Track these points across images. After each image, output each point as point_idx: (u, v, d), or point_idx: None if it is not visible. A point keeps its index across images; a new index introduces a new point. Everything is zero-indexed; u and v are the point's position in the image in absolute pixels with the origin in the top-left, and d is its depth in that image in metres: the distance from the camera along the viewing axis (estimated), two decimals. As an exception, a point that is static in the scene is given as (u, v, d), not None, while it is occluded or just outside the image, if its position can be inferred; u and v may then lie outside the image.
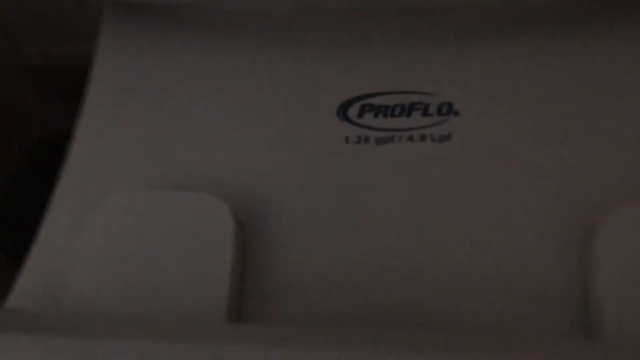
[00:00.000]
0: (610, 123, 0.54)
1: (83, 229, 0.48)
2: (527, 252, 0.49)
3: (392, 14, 0.58)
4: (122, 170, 0.54)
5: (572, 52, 0.57)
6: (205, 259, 0.47)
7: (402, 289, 0.50)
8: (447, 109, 0.55)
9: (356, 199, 0.53)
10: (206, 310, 0.45)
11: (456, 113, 0.54)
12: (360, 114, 0.55)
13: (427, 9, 0.56)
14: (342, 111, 0.55)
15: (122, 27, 0.61)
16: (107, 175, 0.54)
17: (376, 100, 0.55)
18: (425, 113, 0.55)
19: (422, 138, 0.54)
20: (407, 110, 0.55)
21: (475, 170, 0.53)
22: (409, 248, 0.51)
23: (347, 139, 0.54)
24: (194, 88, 0.58)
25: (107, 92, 0.58)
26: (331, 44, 0.59)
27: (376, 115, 0.55)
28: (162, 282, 0.46)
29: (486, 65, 0.56)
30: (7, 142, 1.11)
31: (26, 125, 1.24)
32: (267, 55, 0.58)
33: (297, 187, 0.54)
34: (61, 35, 1.02)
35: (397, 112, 0.55)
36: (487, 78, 0.56)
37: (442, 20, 0.59)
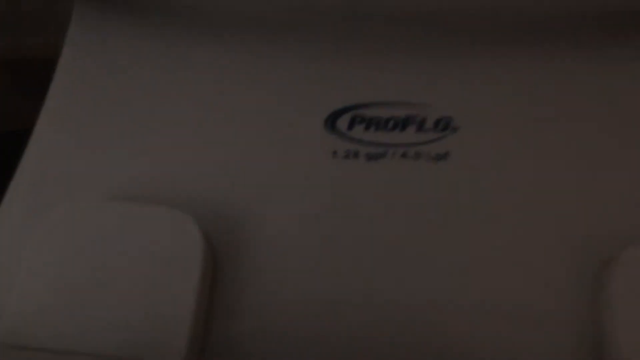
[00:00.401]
0: (620, 145, 0.51)
1: (27, 245, 0.43)
2: (530, 284, 0.46)
3: (387, 18, 0.54)
4: (80, 177, 0.50)
5: (581, 68, 0.53)
6: (167, 284, 0.41)
7: (388, 320, 0.46)
8: (445, 124, 0.51)
9: (341, 220, 0.49)
10: (164, 346, 0.41)
11: (455, 129, 0.51)
12: (350, 126, 0.51)
13: (417, 13, 0.53)
14: (331, 122, 0.52)
15: (92, 22, 0.56)
16: (63, 182, 0.49)
17: (368, 112, 0.52)
18: (420, 128, 0.51)
19: (417, 156, 0.50)
20: (401, 123, 0.51)
21: (474, 195, 0.49)
22: (395, 276, 0.47)
23: (334, 154, 0.51)
24: (167, 91, 0.54)
25: (71, 90, 0.54)
26: (320, 49, 0.54)
27: (367, 128, 0.51)
28: (114, 310, 0.40)
29: (490, 77, 0.53)
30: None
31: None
32: (249, 58, 0.54)
33: (276, 204, 0.49)
34: (33, 26, 1.00)
35: (390, 125, 0.51)
36: (491, 91, 0.52)
37: (442, 27, 0.55)
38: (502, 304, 0.46)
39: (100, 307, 0.41)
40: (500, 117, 0.53)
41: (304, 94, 0.54)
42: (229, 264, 0.47)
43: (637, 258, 0.44)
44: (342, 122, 0.52)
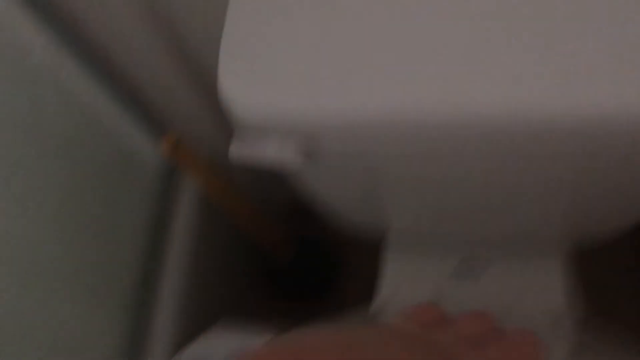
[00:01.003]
0: None
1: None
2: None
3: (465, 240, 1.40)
4: None
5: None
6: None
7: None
8: (479, 272, 1.70)
9: (464, 293, 1.46)
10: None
11: (480, 276, 1.43)
12: (458, 274, 1.31)
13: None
14: (452, 271, 1.41)
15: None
16: None
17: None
18: (473, 273, 1.65)
19: (472, 280, 1.62)
20: (468, 271, 1.66)
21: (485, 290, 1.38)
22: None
23: (454, 279, 1.34)
24: None
25: None
26: (448, 249, 1.34)
27: (460, 273, 1.47)
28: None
29: (496, 259, 1.32)
30: (288, 239, 1.84)
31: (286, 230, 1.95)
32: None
33: (440, 290, 1.42)
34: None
35: (466, 272, 1.46)
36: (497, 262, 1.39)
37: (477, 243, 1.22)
38: None
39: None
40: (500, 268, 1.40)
41: (443, 260, 1.46)
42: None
43: None
44: (453, 271, 1.64)
